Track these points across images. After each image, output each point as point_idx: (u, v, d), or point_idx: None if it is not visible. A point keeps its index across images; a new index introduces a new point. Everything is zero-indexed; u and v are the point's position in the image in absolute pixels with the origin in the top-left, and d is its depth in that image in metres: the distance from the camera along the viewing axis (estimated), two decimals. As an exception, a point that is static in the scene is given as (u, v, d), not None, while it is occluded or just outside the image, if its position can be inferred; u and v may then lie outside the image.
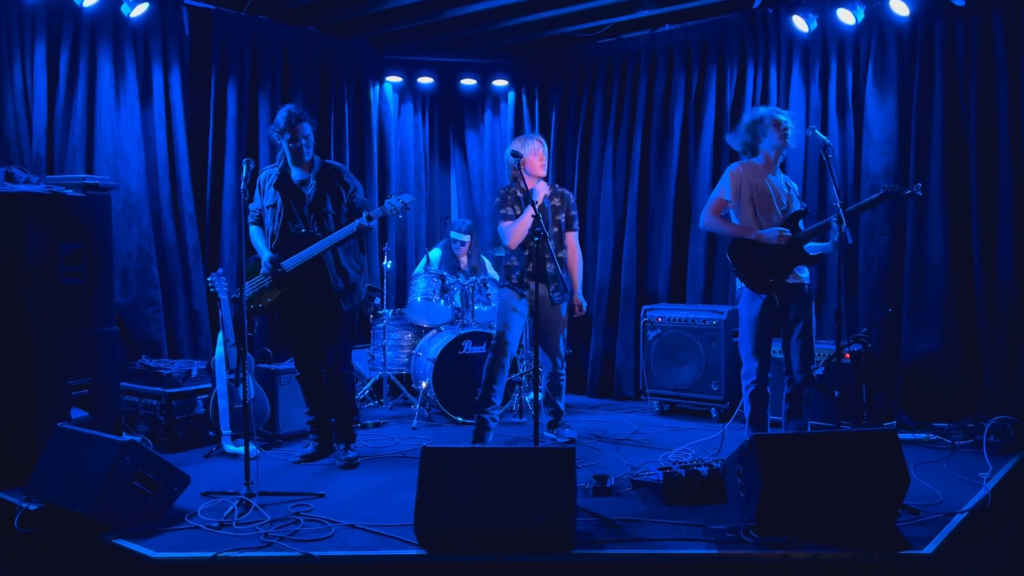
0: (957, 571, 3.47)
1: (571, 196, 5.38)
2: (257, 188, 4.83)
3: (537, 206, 4.76)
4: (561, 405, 5.40)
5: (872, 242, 5.88)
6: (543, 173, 5.22)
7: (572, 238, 5.32)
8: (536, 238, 4.53)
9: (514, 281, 5.13)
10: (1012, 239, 5.38)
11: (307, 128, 4.65)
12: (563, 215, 5.28)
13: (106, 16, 5.63)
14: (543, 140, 5.29)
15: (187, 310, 6.08)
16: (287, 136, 4.62)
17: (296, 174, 4.73)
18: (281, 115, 4.65)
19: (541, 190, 5.10)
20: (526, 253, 5.06)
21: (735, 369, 5.97)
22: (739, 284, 4.70)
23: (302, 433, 5.16)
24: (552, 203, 5.24)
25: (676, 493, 3.98)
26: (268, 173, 4.79)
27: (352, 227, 4.63)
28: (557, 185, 5.45)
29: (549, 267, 5.06)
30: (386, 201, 4.78)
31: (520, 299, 5.12)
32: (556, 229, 5.21)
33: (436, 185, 8.12)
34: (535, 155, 5.15)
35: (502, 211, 5.13)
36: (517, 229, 5.05)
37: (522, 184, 5.07)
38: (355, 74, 7.29)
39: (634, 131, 6.98)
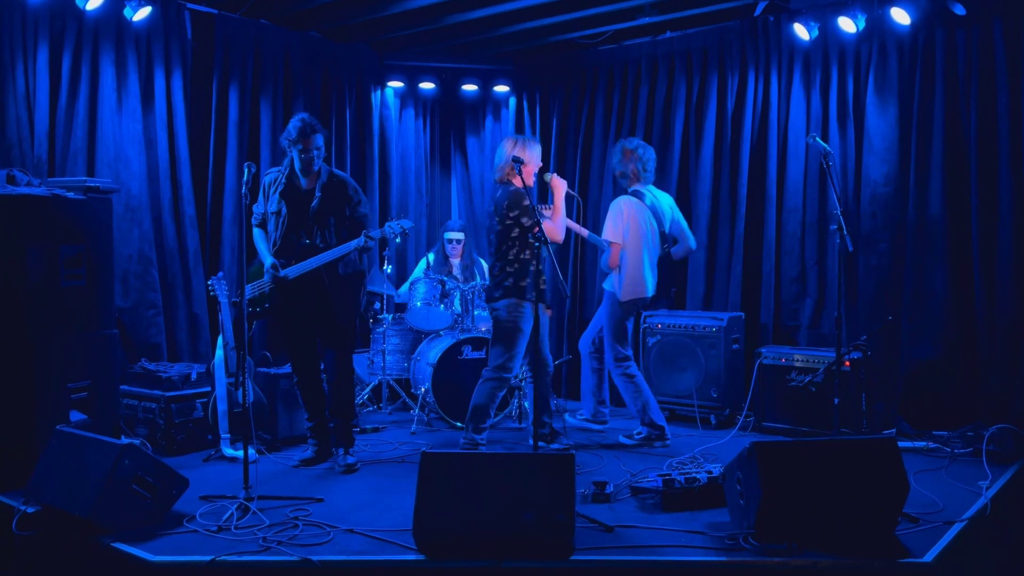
0: (956, 580, 3.47)
1: None
2: (261, 191, 4.83)
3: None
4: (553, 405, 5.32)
5: (872, 250, 5.88)
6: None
7: None
8: (537, 244, 4.51)
9: (528, 296, 4.82)
10: (1012, 248, 5.38)
11: (319, 140, 4.65)
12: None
13: (108, 19, 5.64)
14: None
15: (187, 313, 6.08)
16: (298, 146, 4.62)
17: (303, 183, 4.73)
18: (294, 124, 4.64)
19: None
20: (533, 265, 4.77)
21: (735, 376, 5.99)
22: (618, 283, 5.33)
23: (301, 437, 5.16)
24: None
25: (675, 500, 3.97)
26: (274, 177, 4.78)
27: (351, 245, 4.66)
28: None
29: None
30: (386, 224, 4.85)
31: (530, 317, 4.84)
32: None
33: (437, 190, 8.13)
34: (536, 164, 5.06)
35: (541, 214, 4.88)
36: (562, 222, 5.07)
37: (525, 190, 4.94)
38: (356, 79, 7.29)
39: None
